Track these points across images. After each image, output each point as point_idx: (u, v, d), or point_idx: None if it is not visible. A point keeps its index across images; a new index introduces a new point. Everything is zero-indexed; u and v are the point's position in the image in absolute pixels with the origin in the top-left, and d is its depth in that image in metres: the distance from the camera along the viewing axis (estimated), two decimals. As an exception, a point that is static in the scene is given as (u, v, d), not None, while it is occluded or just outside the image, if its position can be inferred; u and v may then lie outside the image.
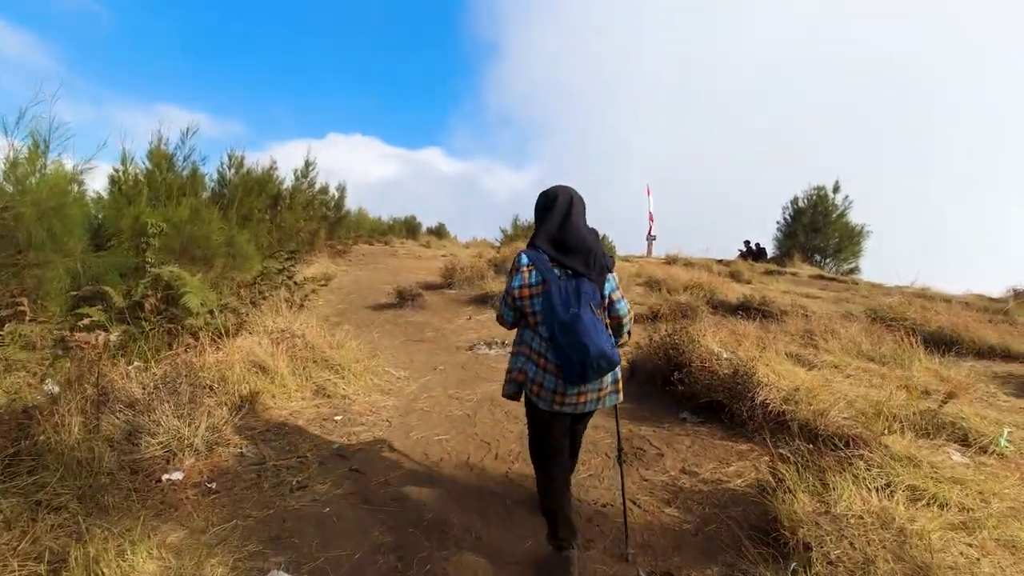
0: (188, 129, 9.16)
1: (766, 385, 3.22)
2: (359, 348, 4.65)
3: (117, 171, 6.72)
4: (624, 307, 2.06)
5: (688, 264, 15.18)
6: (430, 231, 22.27)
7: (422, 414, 3.70)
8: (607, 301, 2.00)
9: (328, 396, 3.84)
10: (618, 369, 1.97)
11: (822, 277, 13.26)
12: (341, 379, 4.03)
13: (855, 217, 16.81)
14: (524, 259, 1.94)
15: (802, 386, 3.24)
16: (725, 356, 3.64)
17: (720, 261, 15.97)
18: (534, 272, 1.93)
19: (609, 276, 1.99)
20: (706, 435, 3.25)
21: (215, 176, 10.38)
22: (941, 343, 4.95)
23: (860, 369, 3.88)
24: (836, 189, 16.69)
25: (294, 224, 10.35)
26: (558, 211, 1.97)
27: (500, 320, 2.10)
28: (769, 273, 13.07)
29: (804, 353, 4.43)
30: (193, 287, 4.85)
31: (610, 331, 2.02)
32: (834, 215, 16.61)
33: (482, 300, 7.83)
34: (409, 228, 22.13)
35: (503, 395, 2.11)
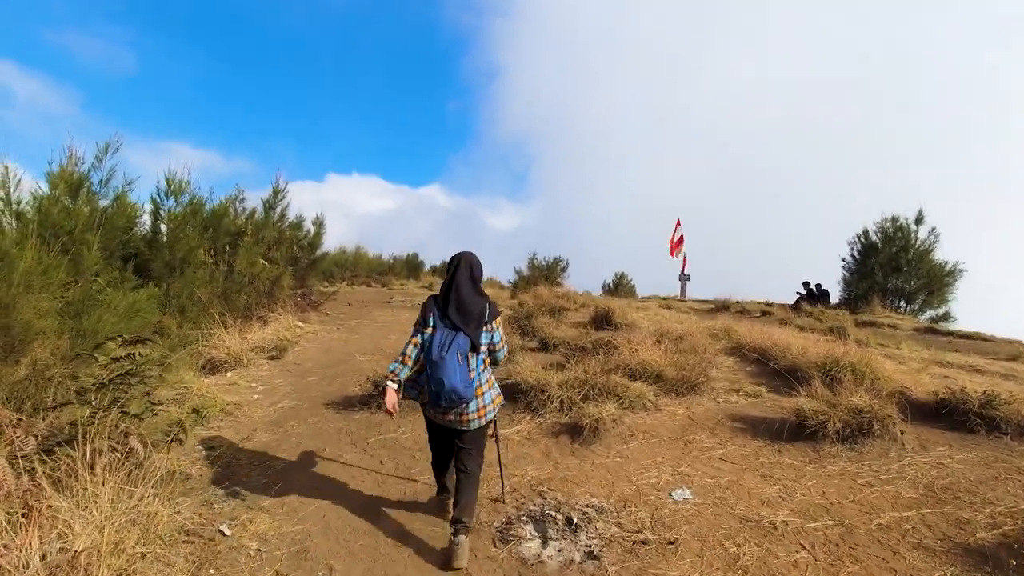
0: (108, 146, 6.62)
1: None
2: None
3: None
4: (502, 354, 2.77)
5: (742, 311, 12.46)
6: (434, 270, 19.66)
7: None
8: (489, 347, 2.69)
9: None
10: (484, 398, 2.65)
11: (934, 331, 10.33)
12: None
13: (939, 253, 13.99)
14: (427, 313, 2.65)
15: None
16: None
17: (782, 305, 13.18)
18: (429, 320, 2.63)
19: (496, 328, 2.69)
20: None
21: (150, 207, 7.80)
22: None
23: None
24: (919, 220, 13.90)
25: (247, 269, 7.63)
26: (449, 273, 2.69)
27: (402, 355, 2.65)
28: (867, 325, 10.17)
29: None
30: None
31: (484, 367, 2.69)
32: (917, 250, 13.78)
33: (515, 396, 4.44)
34: (411, 267, 19.61)
35: (411, 397, 2.77)
